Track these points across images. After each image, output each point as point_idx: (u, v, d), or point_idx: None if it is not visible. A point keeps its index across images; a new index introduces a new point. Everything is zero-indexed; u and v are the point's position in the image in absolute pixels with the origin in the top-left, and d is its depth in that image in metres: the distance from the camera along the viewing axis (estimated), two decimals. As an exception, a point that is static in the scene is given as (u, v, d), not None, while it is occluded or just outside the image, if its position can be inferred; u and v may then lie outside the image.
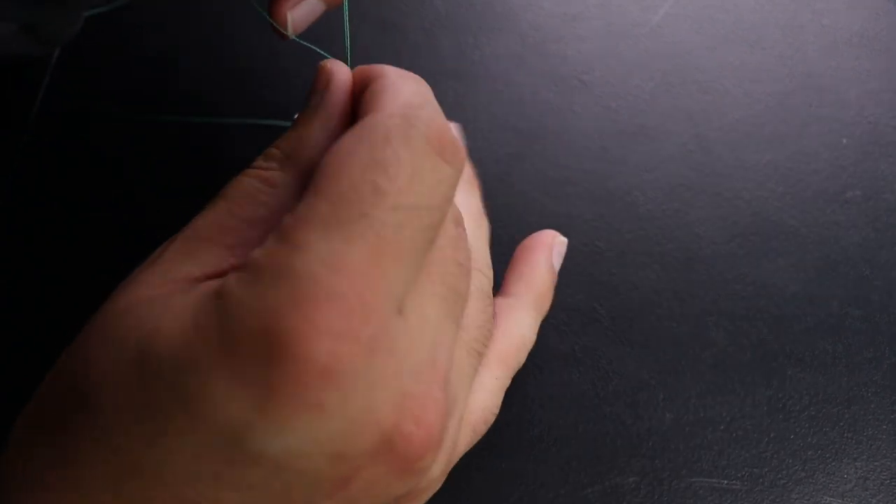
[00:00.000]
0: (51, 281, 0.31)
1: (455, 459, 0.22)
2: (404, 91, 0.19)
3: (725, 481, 0.29)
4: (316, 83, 0.22)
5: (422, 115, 0.18)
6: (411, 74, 0.21)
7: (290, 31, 0.23)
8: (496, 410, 0.25)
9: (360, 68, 0.22)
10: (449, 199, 0.19)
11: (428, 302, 0.18)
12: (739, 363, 0.31)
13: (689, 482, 0.29)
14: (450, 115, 0.35)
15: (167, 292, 0.18)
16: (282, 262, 0.16)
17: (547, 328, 0.31)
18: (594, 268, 0.32)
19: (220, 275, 0.18)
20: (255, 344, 0.15)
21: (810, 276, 0.32)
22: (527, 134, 0.35)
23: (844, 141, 0.35)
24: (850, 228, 0.33)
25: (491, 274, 0.25)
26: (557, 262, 0.30)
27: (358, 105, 0.21)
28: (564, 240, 0.30)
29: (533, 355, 0.31)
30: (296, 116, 0.21)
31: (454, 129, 0.21)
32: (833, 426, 0.30)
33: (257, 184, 0.20)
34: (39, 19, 0.26)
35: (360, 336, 0.16)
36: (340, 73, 0.22)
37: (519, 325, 0.27)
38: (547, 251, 0.29)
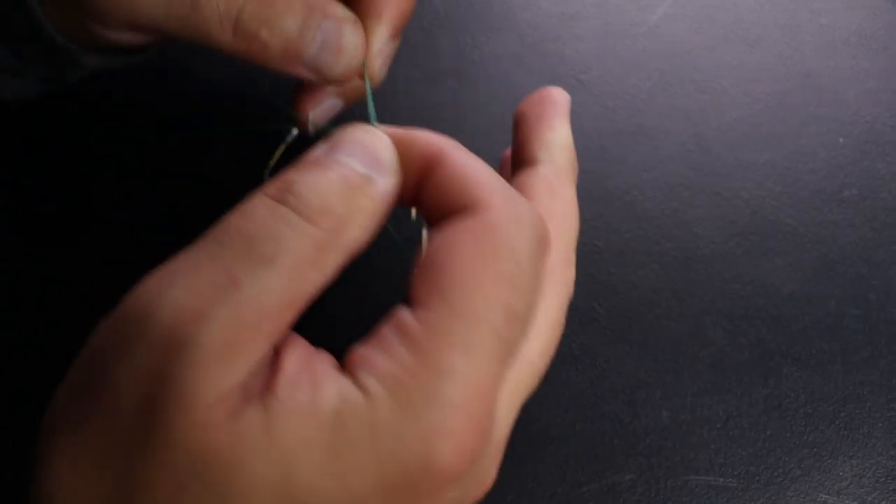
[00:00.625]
0: (51, 282, 0.31)
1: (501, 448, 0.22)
2: (498, 186, 0.20)
3: (722, 479, 0.29)
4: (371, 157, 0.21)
5: (527, 212, 0.19)
6: (470, 154, 0.21)
7: (311, 130, 0.24)
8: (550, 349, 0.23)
9: (415, 141, 0.21)
10: None
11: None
12: (737, 362, 0.31)
13: (685, 480, 0.29)
14: (449, 114, 0.35)
15: (242, 425, 0.16)
16: (432, 389, 0.17)
17: (545, 327, 0.31)
18: (593, 267, 0.32)
19: (255, 374, 0.17)
20: (409, 474, 0.17)
21: (808, 276, 0.32)
22: (525, 134, 0.35)
23: (841, 140, 0.35)
24: (848, 228, 0.33)
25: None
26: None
27: (423, 182, 0.21)
28: (568, 97, 0.28)
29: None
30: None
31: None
32: (829, 424, 0.30)
33: (310, 258, 0.18)
34: (58, 76, 0.27)
35: (484, 446, 0.18)
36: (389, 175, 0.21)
37: (570, 210, 0.25)
38: (565, 112, 0.27)
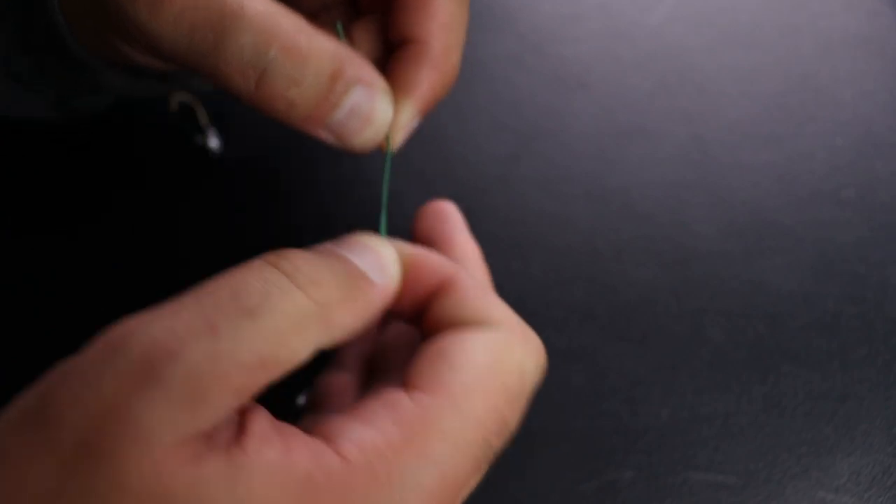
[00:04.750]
0: (50, 285, 0.31)
1: None
2: (504, 306, 0.21)
3: (721, 476, 0.29)
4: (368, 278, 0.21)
5: (534, 341, 0.20)
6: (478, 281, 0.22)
7: (386, 148, 0.23)
8: None
9: (429, 262, 0.22)
10: None
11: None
12: (735, 360, 0.31)
13: (685, 477, 0.29)
14: (449, 115, 0.36)
15: (203, 470, 0.16)
16: (412, 471, 0.17)
17: (545, 325, 0.31)
18: (592, 266, 0.33)
19: (220, 429, 0.17)
20: None
21: (806, 275, 0.33)
22: (525, 134, 0.35)
23: (839, 141, 0.36)
24: (845, 227, 0.34)
25: None
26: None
27: (434, 302, 0.21)
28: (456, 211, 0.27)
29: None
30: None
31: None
32: (827, 422, 0.30)
33: (294, 323, 0.18)
34: (72, 97, 0.26)
35: None
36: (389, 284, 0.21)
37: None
38: (463, 227, 0.27)
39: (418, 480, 0.17)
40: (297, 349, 0.17)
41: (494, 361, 0.19)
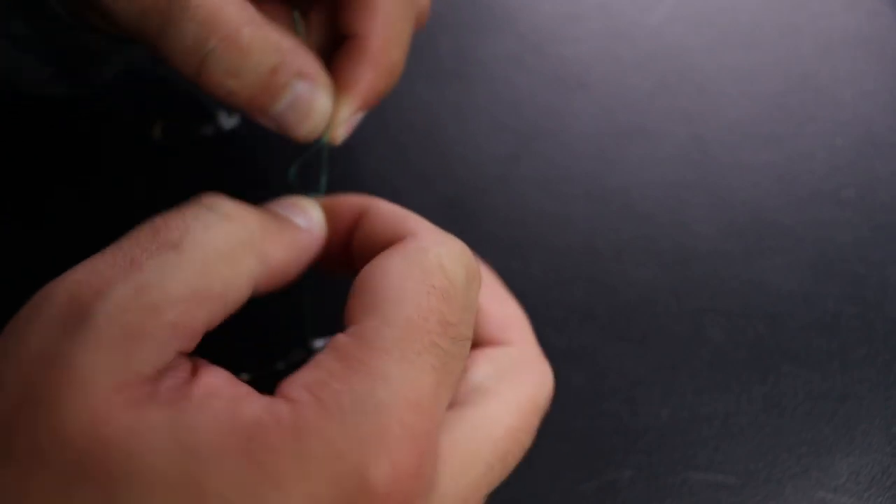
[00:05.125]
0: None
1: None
2: (422, 222, 0.20)
3: (721, 476, 0.29)
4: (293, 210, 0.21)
5: (455, 242, 0.20)
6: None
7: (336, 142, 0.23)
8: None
9: (342, 201, 0.22)
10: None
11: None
12: (735, 360, 0.31)
13: (684, 477, 0.29)
14: (449, 115, 0.36)
15: (142, 412, 0.15)
16: (363, 393, 0.16)
17: (545, 325, 0.31)
18: (592, 266, 0.33)
19: (163, 370, 0.16)
20: (346, 483, 0.15)
21: (806, 275, 0.33)
22: (525, 134, 0.35)
23: (839, 141, 0.36)
24: (846, 227, 0.34)
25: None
26: None
27: (356, 231, 0.21)
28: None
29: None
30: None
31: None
32: (827, 422, 0.30)
33: (220, 250, 0.17)
34: (71, 60, 0.27)
35: (426, 475, 0.16)
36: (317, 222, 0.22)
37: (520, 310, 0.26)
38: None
39: (373, 400, 0.15)
40: (230, 279, 0.17)
41: (412, 267, 0.18)
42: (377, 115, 0.35)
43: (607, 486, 0.29)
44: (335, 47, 0.24)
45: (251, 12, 0.20)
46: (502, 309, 0.23)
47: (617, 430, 0.30)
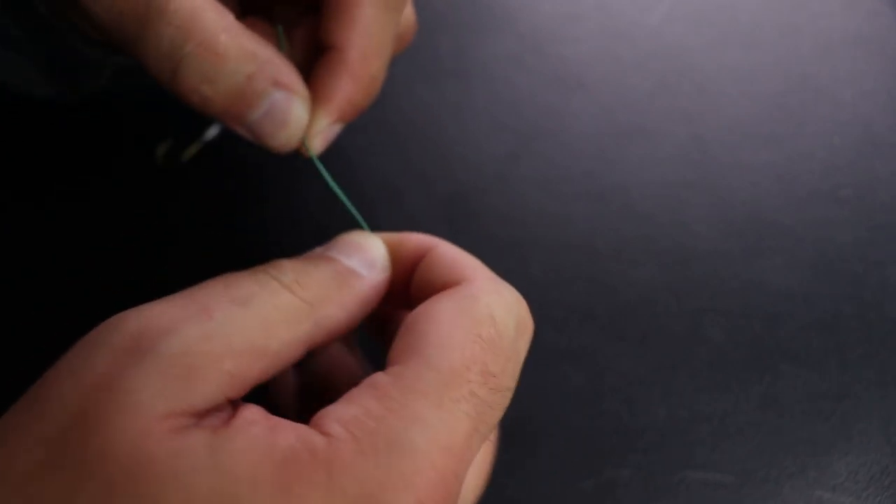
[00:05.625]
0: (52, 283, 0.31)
1: None
2: (479, 267, 0.21)
3: (718, 475, 0.29)
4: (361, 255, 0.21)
5: (508, 291, 0.20)
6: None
7: (306, 153, 0.23)
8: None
9: (409, 239, 0.22)
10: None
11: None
12: (734, 360, 0.31)
13: (682, 476, 0.29)
14: (449, 115, 0.36)
15: (187, 441, 0.15)
16: (398, 435, 0.16)
17: (544, 324, 0.31)
18: (591, 266, 0.33)
19: (211, 409, 0.16)
20: None
21: (804, 274, 0.33)
22: (525, 134, 0.35)
23: (838, 140, 0.36)
24: (844, 227, 0.34)
25: None
26: None
27: (414, 273, 0.21)
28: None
29: (531, 351, 0.31)
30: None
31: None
32: (825, 421, 0.30)
33: (282, 316, 0.18)
34: (60, 64, 0.27)
35: None
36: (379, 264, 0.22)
37: None
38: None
39: (408, 442, 0.16)
40: (287, 341, 0.18)
41: (461, 314, 0.18)
42: (377, 116, 0.35)
43: (606, 485, 0.29)
44: (316, 60, 0.24)
45: (229, 20, 0.20)
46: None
47: (616, 429, 0.30)
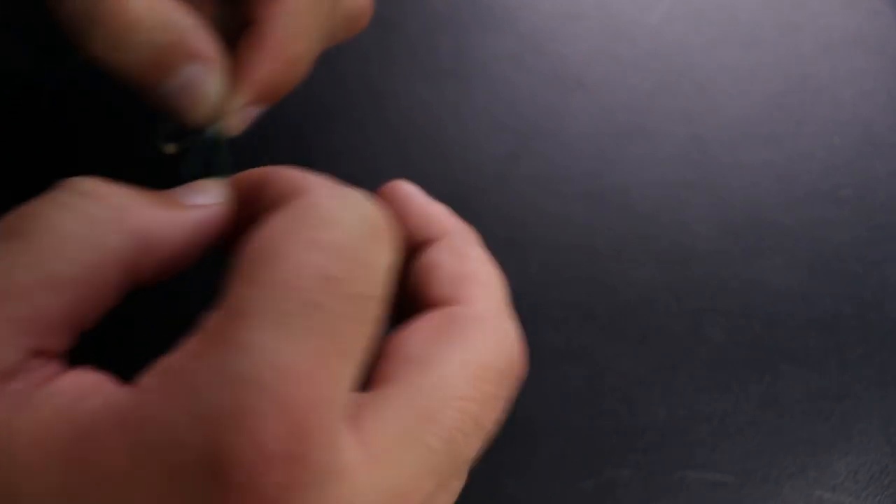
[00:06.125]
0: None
1: None
2: (318, 179, 0.17)
3: (718, 475, 0.29)
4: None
5: (353, 195, 0.16)
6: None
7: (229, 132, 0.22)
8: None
9: (240, 176, 0.20)
10: (385, 288, 0.16)
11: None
12: (733, 359, 0.31)
13: (682, 476, 0.29)
14: (449, 114, 0.36)
15: None
16: (218, 369, 0.13)
17: (544, 324, 0.31)
18: (591, 265, 0.33)
19: (11, 371, 0.14)
20: (193, 474, 0.12)
21: (804, 274, 0.33)
22: (524, 133, 0.35)
23: (838, 140, 0.36)
24: (844, 226, 0.34)
25: None
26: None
27: (256, 205, 0.18)
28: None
29: (530, 351, 0.31)
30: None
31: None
32: (825, 421, 0.30)
33: (86, 222, 0.15)
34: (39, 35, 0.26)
35: (315, 459, 0.13)
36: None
37: (485, 266, 0.22)
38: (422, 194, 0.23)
39: (228, 373, 0.13)
40: (90, 261, 0.15)
41: (293, 224, 0.15)
42: (377, 116, 0.35)
43: (606, 485, 0.29)
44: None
45: None
46: (460, 265, 0.20)
47: (615, 429, 0.30)
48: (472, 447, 0.16)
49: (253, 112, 0.21)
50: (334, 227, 0.15)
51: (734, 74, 0.37)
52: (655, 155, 0.35)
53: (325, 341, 0.14)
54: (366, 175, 0.34)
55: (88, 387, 0.14)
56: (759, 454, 0.29)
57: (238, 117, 0.21)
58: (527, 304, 0.31)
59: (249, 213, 0.18)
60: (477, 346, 0.17)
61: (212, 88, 0.20)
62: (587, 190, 0.34)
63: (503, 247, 0.33)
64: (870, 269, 0.33)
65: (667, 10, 0.38)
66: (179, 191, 0.19)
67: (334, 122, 0.34)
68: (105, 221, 0.15)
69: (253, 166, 0.34)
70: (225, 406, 0.12)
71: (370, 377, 0.16)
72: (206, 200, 0.18)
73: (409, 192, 0.22)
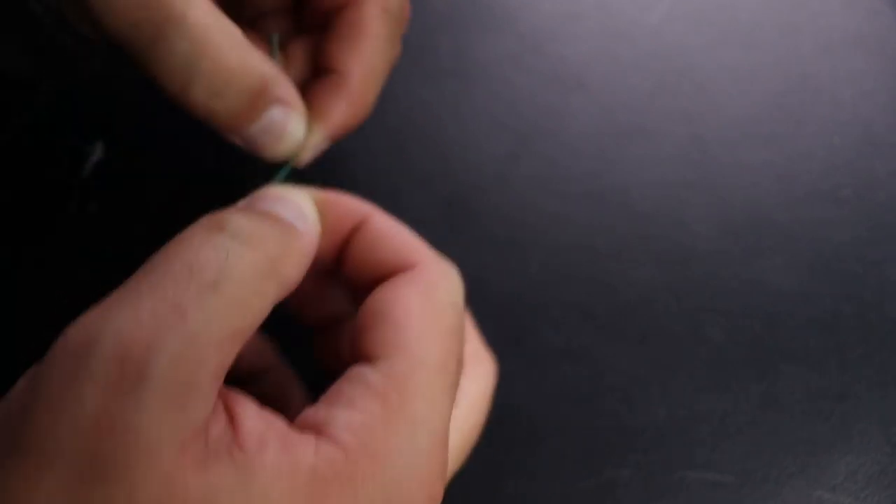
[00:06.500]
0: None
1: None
2: (424, 246, 0.21)
3: (718, 475, 0.29)
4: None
5: (454, 275, 0.21)
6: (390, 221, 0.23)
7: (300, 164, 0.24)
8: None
9: (339, 203, 0.23)
10: None
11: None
12: (733, 359, 0.31)
13: (682, 476, 0.29)
14: (448, 115, 0.36)
15: (202, 476, 0.15)
16: (407, 439, 0.17)
17: (544, 324, 0.31)
18: (591, 265, 0.33)
19: (207, 421, 0.16)
20: None
21: (804, 274, 0.33)
22: (524, 134, 0.35)
23: (838, 140, 0.36)
24: (844, 227, 0.34)
25: None
26: None
27: (346, 244, 0.22)
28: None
29: (530, 351, 0.31)
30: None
31: None
32: (825, 421, 0.30)
33: (253, 285, 0.17)
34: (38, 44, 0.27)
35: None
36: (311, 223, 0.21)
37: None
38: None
39: (414, 445, 0.17)
40: (260, 310, 0.17)
41: (430, 307, 0.19)
42: (377, 116, 0.35)
43: (605, 485, 0.29)
44: (312, 77, 0.25)
45: (239, 36, 0.21)
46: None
47: (615, 428, 0.30)
48: (464, 458, 0.22)
49: (323, 146, 0.24)
50: (456, 312, 0.20)
51: (734, 74, 0.37)
52: (655, 155, 0.35)
53: (452, 406, 0.19)
54: (366, 175, 0.34)
55: (279, 432, 0.16)
56: (759, 454, 0.29)
57: (311, 152, 0.24)
58: (526, 303, 0.31)
59: (340, 241, 0.22)
60: (478, 382, 0.24)
61: (294, 129, 0.23)
62: (587, 190, 0.34)
63: (503, 247, 0.33)
64: (870, 269, 0.33)
65: (667, 10, 0.38)
66: (275, 202, 0.21)
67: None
68: (267, 273, 0.18)
69: (252, 167, 0.34)
70: (417, 474, 0.17)
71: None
72: (306, 223, 0.20)
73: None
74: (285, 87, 0.22)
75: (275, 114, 0.22)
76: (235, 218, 0.18)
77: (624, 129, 0.36)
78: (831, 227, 0.34)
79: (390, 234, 0.22)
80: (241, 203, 0.21)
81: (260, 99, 0.21)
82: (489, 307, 0.31)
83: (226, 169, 0.24)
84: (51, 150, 0.33)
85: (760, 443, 0.30)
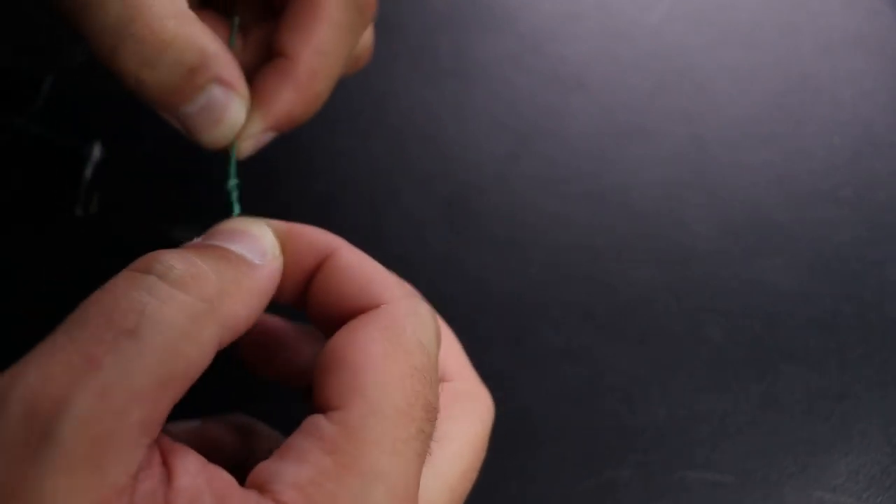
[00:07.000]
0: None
1: None
2: (394, 281, 0.19)
3: (718, 475, 0.29)
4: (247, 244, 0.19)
5: (425, 311, 0.19)
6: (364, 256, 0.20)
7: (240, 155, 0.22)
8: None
9: (304, 235, 0.20)
10: None
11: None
12: (733, 359, 0.31)
13: (682, 476, 0.29)
14: (448, 114, 0.36)
15: None
16: (359, 495, 0.15)
17: (544, 324, 0.31)
18: (591, 265, 0.33)
19: (136, 471, 0.15)
20: None
21: (803, 274, 0.33)
22: (524, 133, 0.35)
23: (837, 140, 0.36)
24: (843, 226, 0.34)
25: None
26: None
27: (317, 276, 0.20)
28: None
29: (530, 351, 0.31)
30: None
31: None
32: (825, 421, 0.30)
33: (182, 329, 0.16)
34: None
35: None
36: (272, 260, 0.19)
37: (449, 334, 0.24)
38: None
39: (367, 499, 0.15)
40: (195, 356, 0.16)
41: (393, 348, 0.18)
42: (377, 116, 0.35)
43: (606, 485, 0.29)
44: (264, 64, 0.23)
45: (181, 6, 0.20)
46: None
47: (615, 428, 0.30)
48: (433, 425, 0.18)
49: (266, 138, 0.22)
50: (424, 353, 0.18)
51: (734, 74, 0.37)
52: (655, 155, 0.35)
53: (423, 458, 0.17)
54: (366, 175, 0.34)
55: (217, 488, 0.15)
56: (759, 454, 0.29)
57: (252, 142, 0.22)
58: (526, 303, 0.31)
59: (303, 275, 0.20)
60: (476, 422, 0.22)
61: (233, 113, 0.21)
62: (587, 190, 0.34)
63: (503, 247, 0.33)
64: (869, 269, 0.33)
65: (667, 10, 0.38)
66: (231, 237, 0.19)
67: (334, 123, 0.34)
68: (202, 315, 0.16)
69: (253, 170, 0.34)
70: None
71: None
72: (264, 257, 0.19)
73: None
74: (228, 67, 0.20)
75: (214, 94, 0.20)
76: (166, 258, 0.17)
77: (624, 129, 0.36)
78: (831, 227, 0.34)
79: (357, 269, 0.19)
80: (193, 241, 0.19)
81: (197, 75, 0.20)
82: (489, 307, 0.31)
83: (225, 169, 0.23)
84: (51, 150, 0.33)
85: (760, 443, 0.30)
